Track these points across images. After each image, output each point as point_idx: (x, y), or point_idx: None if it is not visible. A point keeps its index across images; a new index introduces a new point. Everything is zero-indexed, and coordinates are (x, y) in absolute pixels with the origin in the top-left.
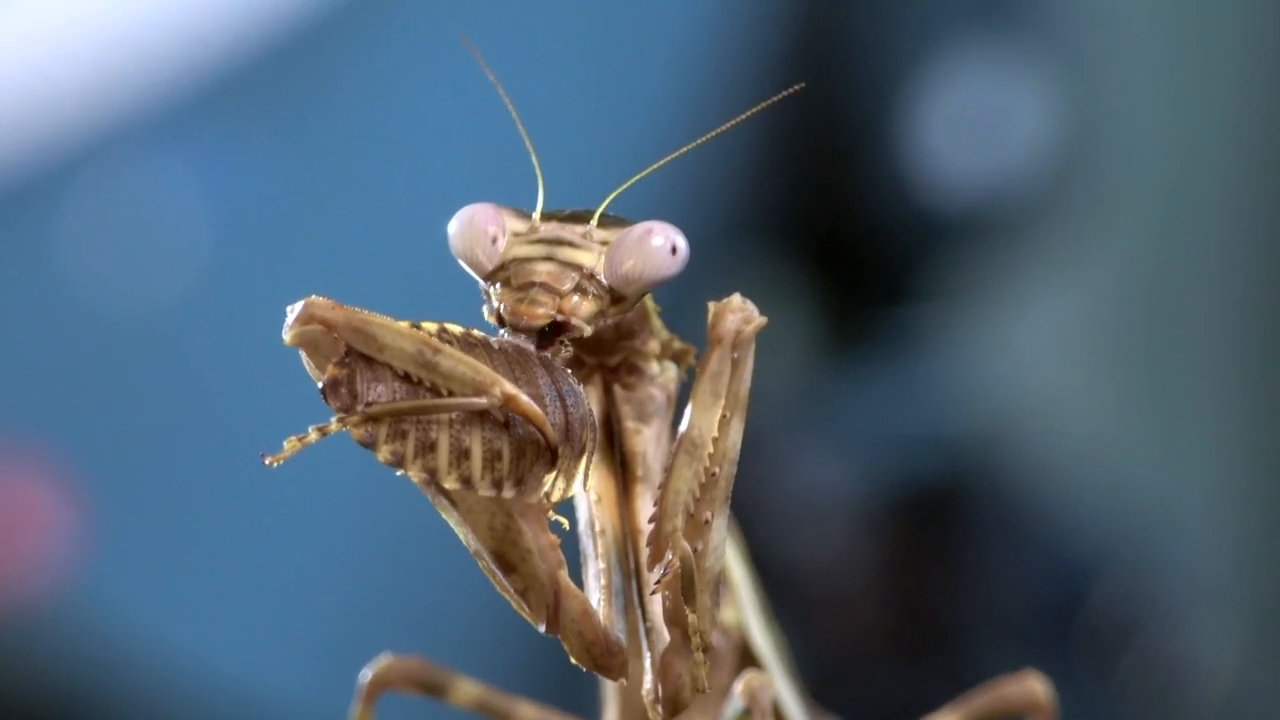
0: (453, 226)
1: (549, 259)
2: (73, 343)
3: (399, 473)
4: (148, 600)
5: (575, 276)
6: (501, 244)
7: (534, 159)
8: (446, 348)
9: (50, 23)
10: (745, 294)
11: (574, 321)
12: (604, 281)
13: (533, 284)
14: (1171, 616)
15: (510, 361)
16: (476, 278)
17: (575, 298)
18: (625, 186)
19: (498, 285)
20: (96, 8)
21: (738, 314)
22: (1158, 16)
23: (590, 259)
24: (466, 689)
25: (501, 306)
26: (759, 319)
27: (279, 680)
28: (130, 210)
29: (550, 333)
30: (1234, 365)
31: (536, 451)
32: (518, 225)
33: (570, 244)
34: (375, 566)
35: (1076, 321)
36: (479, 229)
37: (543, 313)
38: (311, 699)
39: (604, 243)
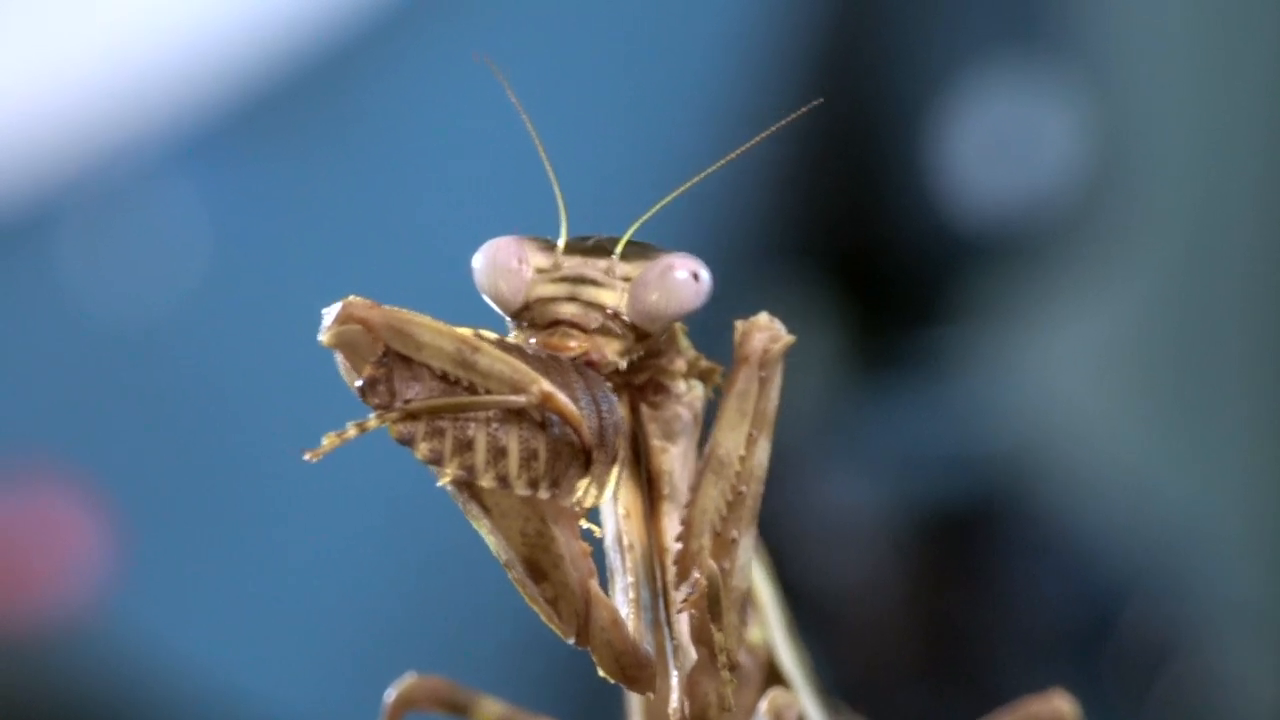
0: (477, 261)
1: (573, 299)
2: (99, 363)
3: (438, 482)
4: (175, 619)
5: (599, 317)
6: (526, 275)
7: (555, 188)
8: (485, 345)
9: (72, 46)
10: (772, 314)
11: (601, 362)
12: (628, 319)
13: (559, 322)
14: (1204, 638)
15: (545, 365)
16: (502, 314)
17: (601, 338)
18: (650, 214)
19: (523, 323)
20: (115, 28)
21: (765, 332)
22: (1187, 35)
23: (613, 298)
24: (491, 708)
25: (531, 342)
26: (786, 337)
27: (304, 700)
28: (155, 232)
29: None
30: (1264, 385)
31: (572, 452)
32: (541, 260)
33: (594, 282)
34: (401, 587)
35: (1106, 341)
36: (502, 264)
37: (575, 345)
38: (336, 718)
39: (626, 278)
